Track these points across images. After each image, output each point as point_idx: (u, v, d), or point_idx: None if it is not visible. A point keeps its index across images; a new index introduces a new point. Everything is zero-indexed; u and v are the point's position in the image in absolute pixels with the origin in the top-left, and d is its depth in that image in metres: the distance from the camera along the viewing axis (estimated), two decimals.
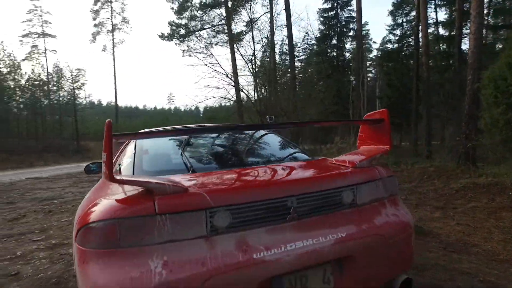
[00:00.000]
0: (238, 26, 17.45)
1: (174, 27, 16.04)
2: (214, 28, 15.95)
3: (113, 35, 32.67)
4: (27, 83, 24.91)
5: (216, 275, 1.13)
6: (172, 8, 16.03)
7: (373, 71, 43.84)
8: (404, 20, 24.17)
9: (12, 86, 24.07)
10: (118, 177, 1.17)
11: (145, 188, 1.25)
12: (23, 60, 29.08)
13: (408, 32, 23.07)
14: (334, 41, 25.07)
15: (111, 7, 32.54)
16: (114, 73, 34.65)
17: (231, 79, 13.91)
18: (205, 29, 15.78)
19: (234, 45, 15.34)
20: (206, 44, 15.15)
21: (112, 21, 32.65)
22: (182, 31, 16.03)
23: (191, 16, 15.90)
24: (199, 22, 16.00)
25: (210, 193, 1.26)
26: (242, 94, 14.43)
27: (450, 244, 2.93)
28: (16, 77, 24.52)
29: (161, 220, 1.18)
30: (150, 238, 1.16)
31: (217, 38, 16.03)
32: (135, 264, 1.13)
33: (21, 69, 24.72)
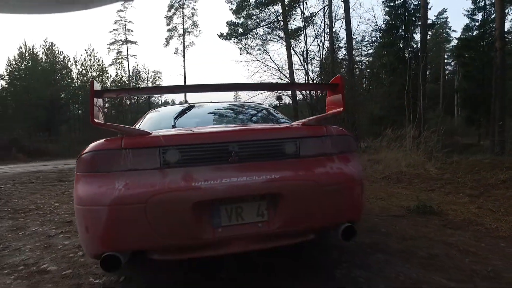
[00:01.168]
0: (295, 22, 17.59)
1: (232, 27, 16.97)
2: (270, 25, 16.39)
3: (183, 39, 35.34)
4: (111, 85, 28.55)
5: (158, 194, 1.50)
6: (231, 9, 16.97)
7: (452, 63, 39.65)
8: (487, 2, 21.57)
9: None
10: (96, 121, 1.61)
11: (117, 131, 1.68)
12: (110, 65, 33.48)
13: (493, 16, 20.53)
14: (401, 32, 23.49)
15: (183, 13, 35.23)
16: (184, 74, 37.39)
17: (285, 76, 14.22)
18: (261, 26, 16.34)
19: (291, 41, 15.60)
20: (263, 41, 15.67)
21: (183, 26, 35.35)
22: (240, 30, 16.86)
23: (247, 15, 16.62)
24: (255, 21, 16.63)
25: (164, 136, 1.63)
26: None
27: (453, 222, 2.86)
28: (103, 79, 28.27)
29: (126, 153, 1.59)
30: (118, 166, 1.58)
31: (273, 34, 16.42)
32: (105, 183, 1.55)
33: (107, 73, 28.52)
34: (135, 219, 1.48)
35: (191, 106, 2.61)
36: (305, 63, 13.71)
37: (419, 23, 23.03)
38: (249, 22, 16.84)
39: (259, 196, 1.63)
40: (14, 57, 26.08)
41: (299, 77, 15.92)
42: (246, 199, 1.62)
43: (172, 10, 34.93)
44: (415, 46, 23.52)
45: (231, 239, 1.60)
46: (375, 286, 1.76)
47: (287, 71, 15.15)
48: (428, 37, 23.36)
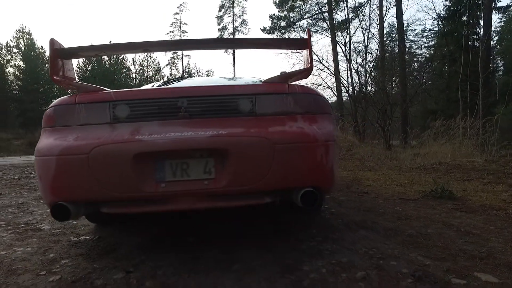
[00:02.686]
0: (341, 13, 16.88)
1: (275, 20, 16.86)
2: (313, 17, 15.97)
3: (233, 37, 36.13)
4: None
5: (100, 145, 1.51)
6: (274, 2, 16.84)
7: None
8: None
9: None
10: (55, 78, 1.68)
11: (75, 88, 1.73)
12: (166, 65, 35.52)
13: None
14: (464, 18, 21.25)
15: (233, 12, 36.06)
16: (234, 72, 38.24)
17: (328, 68, 13.74)
18: (304, 19, 15.98)
19: (338, 32, 15.05)
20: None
21: (233, 24, 36.19)
22: (283, 23, 16.69)
23: (290, 7, 16.37)
24: (298, 13, 16.31)
25: (115, 92, 1.65)
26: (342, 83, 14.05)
27: (469, 207, 2.48)
28: (159, 79, 30.04)
29: (79, 108, 1.63)
30: (72, 121, 1.63)
31: (316, 26, 15.98)
32: (59, 136, 1.62)
33: (162, 72, 30.25)
34: (79, 170, 1.51)
35: (177, 80, 2.60)
36: (348, 54, 13.05)
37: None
38: (292, 15, 16.60)
39: (206, 152, 1.56)
40: (83, 59, 28.93)
41: (343, 68, 15.31)
42: (192, 155, 1.56)
43: (223, 10, 35.96)
44: (480, 32, 21.19)
45: (176, 195, 1.56)
46: (336, 258, 1.59)
47: (329, 62, 14.65)
48: (499, 22, 20.88)
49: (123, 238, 2.05)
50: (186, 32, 40.55)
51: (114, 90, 1.67)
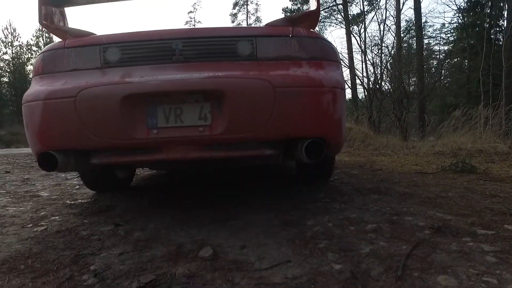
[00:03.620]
0: (356, 6, 16.47)
1: (288, 13, 16.60)
2: (328, 9, 15.66)
3: None
4: None
5: (87, 88, 1.40)
6: None
7: None
8: None
9: None
10: (44, 22, 1.59)
11: (62, 33, 1.63)
12: None
13: None
14: (486, 10, 20.45)
15: (247, 9, 35.95)
16: None
17: (342, 61, 13.41)
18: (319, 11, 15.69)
19: (353, 25, 14.70)
20: (320, 26, 15.06)
21: (247, 22, 36.06)
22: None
23: (304, 0, 16.09)
24: None
25: (106, 35, 1.54)
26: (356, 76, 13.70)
27: (495, 177, 2.26)
28: None
29: (68, 52, 1.53)
30: (61, 67, 1.54)
31: (331, 19, 15.68)
32: (48, 83, 1.52)
33: None
34: (66, 115, 1.41)
35: None
36: (363, 45, 12.71)
37: None
38: (305, 8, 16.28)
39: (201, 96, 1.43)
40: None
41: (358, 60, 14.93)
42: (186, 99, 1.44)
43: (237, 8, 35.88)
44: (503, 24, 20.35)
45: (168, 143, 1.44)
46: (344, 215, 1.43)
47: (344, 54, 14.28)
48: None
49: (120, 202, 1.96)
50: None
51: (104, 34, 1.56)
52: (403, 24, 16.90)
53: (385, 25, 15.01)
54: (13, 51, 26.15)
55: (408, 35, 17.75)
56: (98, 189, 2.30)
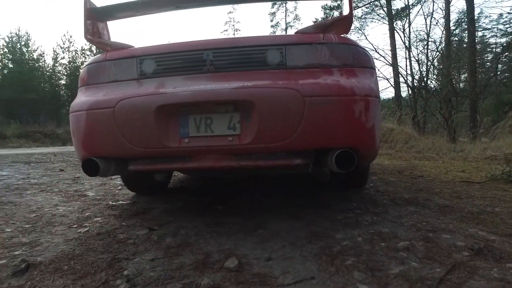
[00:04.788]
0: (400, 1, 15.63)
1: (327, 10, 16.23)
2: (370, 4, 15.06)
3: (286, 33, 35.84)
4: None
5: (125, 99, 1.49)
6: None
7: None
8: None
9: None
10: (89, 37, 1.71)
11: (107, 47, 1.74)
12: None
13: None
14: None
15: (285, 8, 35.73)
16: None
17: (384, 58, 12.83)
18: (360, 7, 15.13)
19: (397, 20, 14.02)
20: (361, 23, 14.56)
21: (285, 20, 35.88)
22: (336, 13, 15.97)
23: None
24: (353, 1, 15.47)
25: (142, 47, 1.62)
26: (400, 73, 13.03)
27: None
28: None
29: (109, 65, 1.63)
30: (102, 78, 1.64)
31: (372, 14, 15.06)
32: (91, 93, 1.64)
33: None
34: (106, 124, 1.51)
35: None
36: (407, 41, 12.06)
37: None
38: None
39: (231, 107, 1.46)
40: None
41: (401, 58, 14.16)
42: (216, 109, 1.47)
43: (276, 6, 35.78)
44: None
45: (199, 151, 1.48)
46: (376, 229, 1.38)
47: (386, 51, 13.67)
48: None
49: (156, 204, 2.05)
50: (239, 30, 41.23)
51: (141, 46, 1.64)
52: (453, 16, 15.79)
53: (432, 18, 14.14)
54: (70, 56, 28.32)
55: (459, 28, 16.54)
56: (138, 191, 2.43)
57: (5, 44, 25.94)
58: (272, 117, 1.40)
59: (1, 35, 38.49)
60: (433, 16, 13.90)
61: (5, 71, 25.85)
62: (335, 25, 1.61)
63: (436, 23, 15.08)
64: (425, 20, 13.48)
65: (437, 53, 12.80)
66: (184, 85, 1.48)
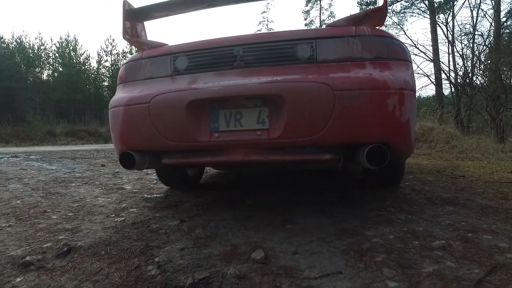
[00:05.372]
0: None
1: (364, 6, 15.70)
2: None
3: None
4: None
5: (159, 94, 1.55)
6: None
7: None
8: None
9: None
10: (127, 37, 1.80)
11: (140, 44, 1.82)
12: None
13: None
14: None
15: (320, 5, 35.18)
16: None
17: (425, 54, 12.18)
18: (398, 1, 14.48)
19: (439, 13, 13.27)
20: (399, 18, 13.96)
21: (320, 18, 35.31)
22: None
23: None
24: None
25: (175, 45, 1.68)
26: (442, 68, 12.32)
27: None
28: None
29: (145, 62, 1.71)
30: (139, 75, 1.73)
31: (412, 8, 14.36)
32: (129, 90, 1.73)
33: None
34: (141, 119, 1.58)
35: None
36: (450, 35, 11.37)
37: None
38: None
39: (260, 101, 1.47)
40: None
41: (444, 53, 13.35)
42: (246, 104, 1.49)
43: (310, 4, 35.33)
44: None
45: (228, 146, 1.50)
46: (409, 227, 1.32)
47: (426, 46, 12.97)
48: None
49: (188, 198, 2.11)
50: (273, 30, 41.21)
51: (175, 44, 1.70)
52: (503, 7, 14.64)
53: (479, 10, 13.19)
54: (112, 59, 29.96)
55: (510, 20, 15.31)
56: (171, 185, 2.52)
57: (56, 49, 28.02)
58: (300, 112, 1.38)
59: (53, 41, 41.44)
60: (480, 7, 12.93)
61: (56, 74, 27.92)
62: (369, 17, 1.56)
63: (484, 15, 14.04)
64: (471, 12, 12.60)
65: (485, 47, 11.93)
66: (214, 80, 1.52)
